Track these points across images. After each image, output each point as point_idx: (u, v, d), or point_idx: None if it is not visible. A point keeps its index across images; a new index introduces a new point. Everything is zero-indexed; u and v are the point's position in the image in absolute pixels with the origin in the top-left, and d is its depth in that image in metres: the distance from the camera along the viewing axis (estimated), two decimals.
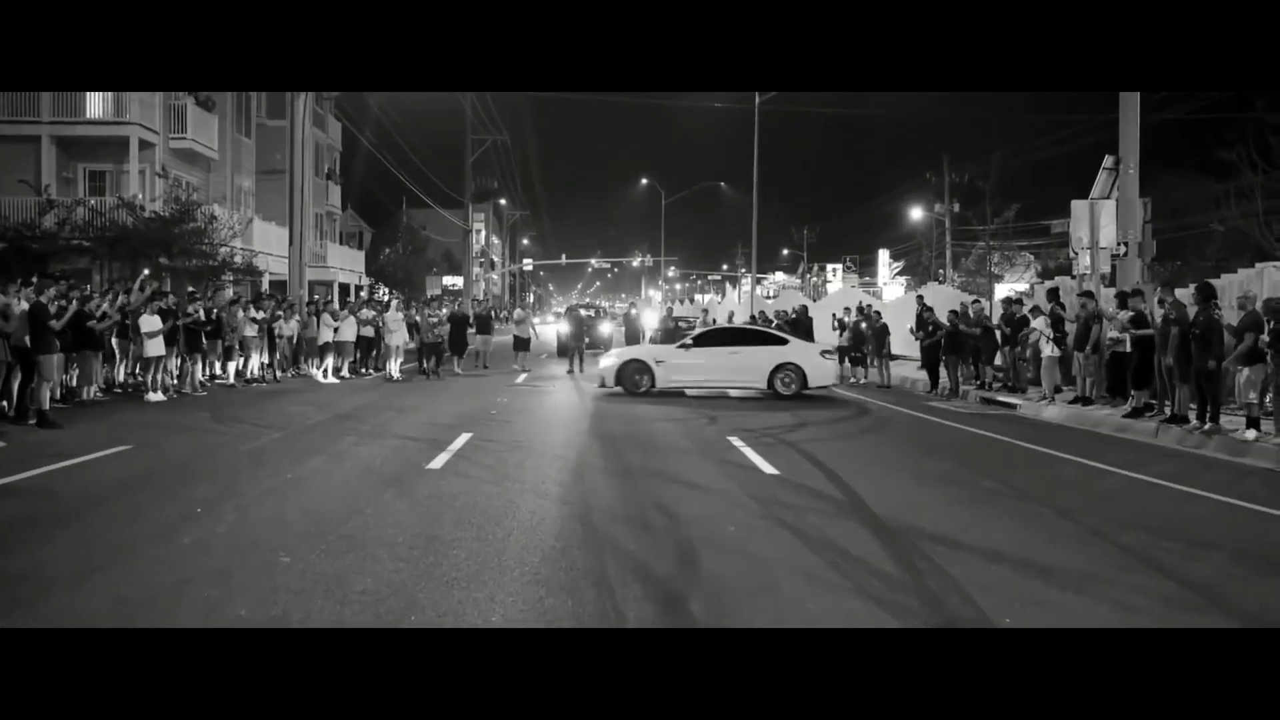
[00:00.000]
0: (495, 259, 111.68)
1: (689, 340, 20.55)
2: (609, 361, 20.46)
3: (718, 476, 10.60)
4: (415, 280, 64.55)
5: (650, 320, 40.03)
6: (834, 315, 26.42)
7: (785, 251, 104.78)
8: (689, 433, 14.39)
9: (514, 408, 17.59)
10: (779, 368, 19.55)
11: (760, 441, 13.27)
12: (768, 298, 58.19)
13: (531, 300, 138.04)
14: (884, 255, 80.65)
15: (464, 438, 13.21)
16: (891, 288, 69.27)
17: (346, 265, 49.67)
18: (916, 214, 65.82)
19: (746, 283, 77.93)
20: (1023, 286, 37.33)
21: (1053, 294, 18.84)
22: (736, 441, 13.19)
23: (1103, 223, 17.64)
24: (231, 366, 21.03)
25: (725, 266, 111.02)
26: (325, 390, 20.67)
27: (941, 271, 59.37)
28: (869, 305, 26.47)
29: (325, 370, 23.18)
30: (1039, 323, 17.74)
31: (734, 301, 57.36)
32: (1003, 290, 40.19)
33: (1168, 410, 14.56)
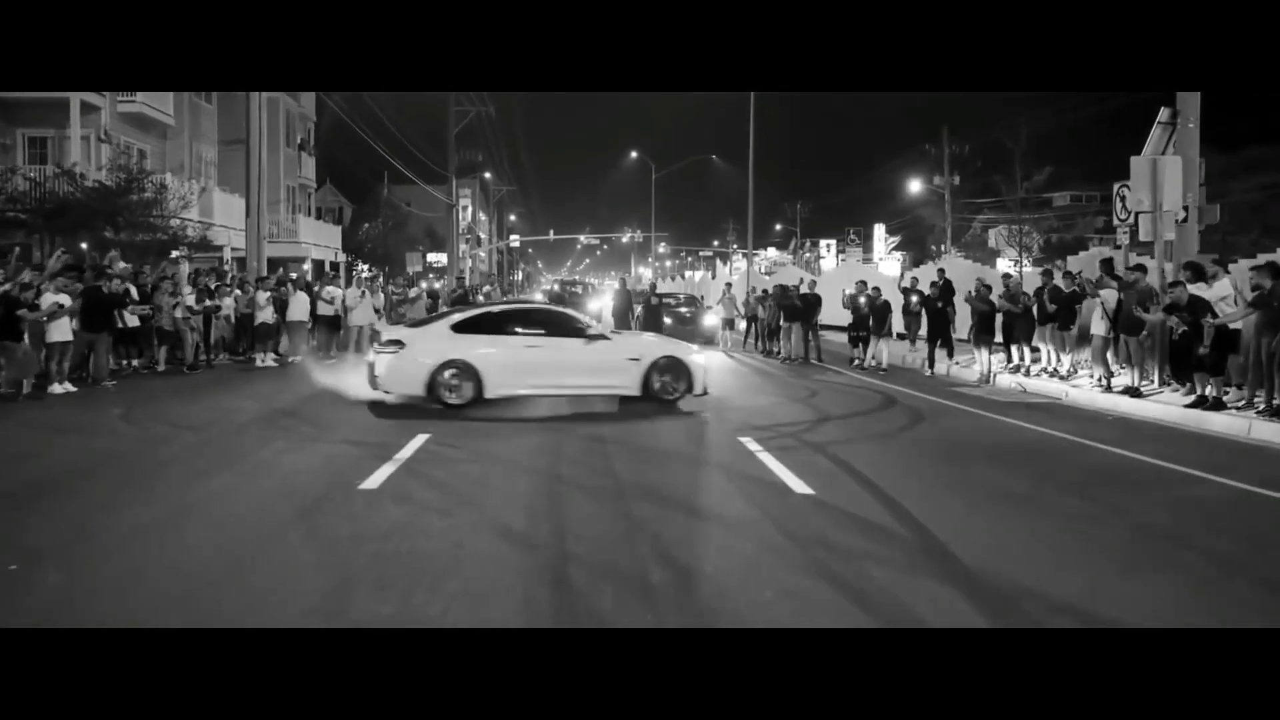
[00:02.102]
0: (482, 235, 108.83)
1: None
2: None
3: (736, 499, 8.24)
4: (395, 257, 61.89)
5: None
6: (844, 291, 24.02)
7: (778, 227, 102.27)
8: (691, 432, 12.01)
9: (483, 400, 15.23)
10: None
11: (779, 444, 10.91)
12: (765, 274, 55.78)
13: (520, 278, 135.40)
14: (879, 230, 78.32)
15: (419, 440, 10.84)
16: (888, 263, 66.95)
17: (321, 241, 46.98)
18: (915, 187, 63.37)
19: (738, 259, 75.75)
20: (1012, 265, 35.14)
21: (1106, 264, 16.45)
22: (751, 445, 10.82)
23: (1166, 182, 15.23)
24: (163, 352, 18.56)
25: (716, 243, 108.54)
26: (270, 378, 18.21)
27: (936, 247, 57.06)
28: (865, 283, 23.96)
29: (265, 356, 20.76)
30: (1106, 295, 15.32)
31: (727, 277, 54.95)
32: (1004, 267, 37.97)
33: (1259, 403, 12.26)
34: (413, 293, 24.40)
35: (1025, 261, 35.55)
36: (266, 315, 21.02)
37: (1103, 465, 10.22)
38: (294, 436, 11.30)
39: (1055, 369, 17.47)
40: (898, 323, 23.35)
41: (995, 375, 18.03)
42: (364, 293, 22.53)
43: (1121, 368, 15.56)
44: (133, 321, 18.16)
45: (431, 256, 76.27)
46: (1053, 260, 24.21)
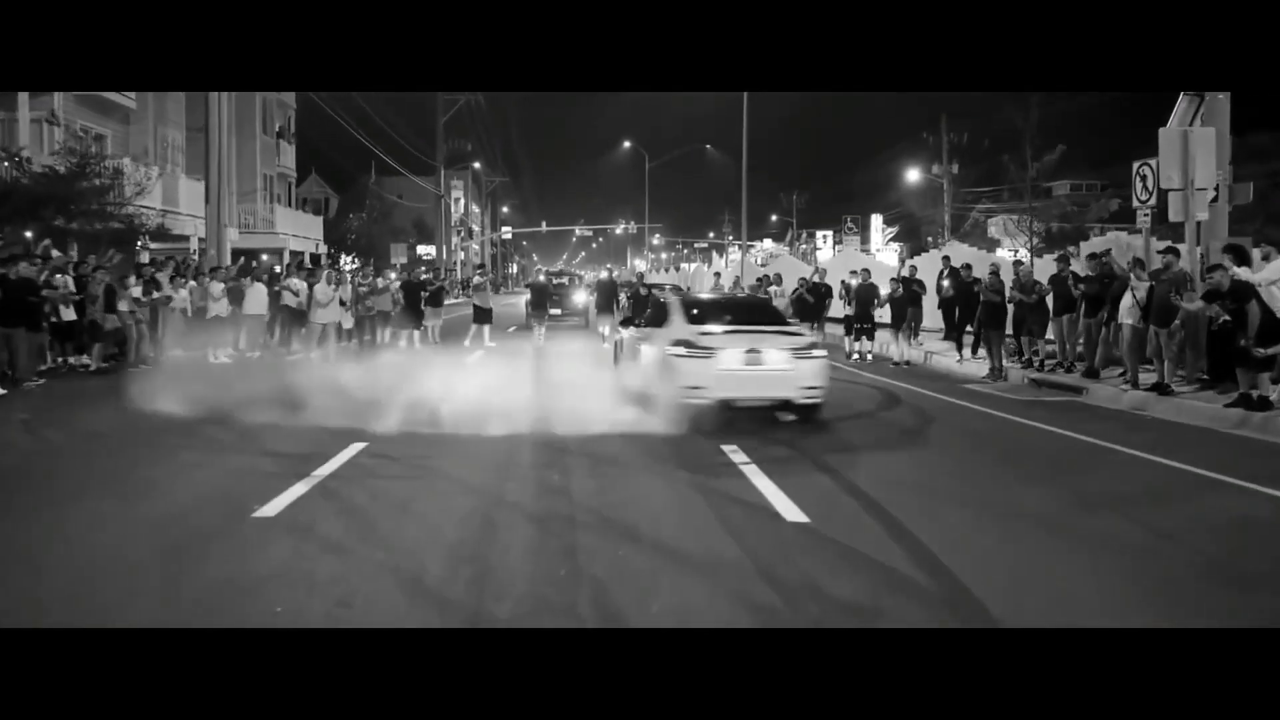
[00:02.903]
0: (475, 227, 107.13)
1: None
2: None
3: (713, 529, 6.70)
4: (380, 249, 60.26)
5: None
6: (842, 282, 22.49)
7: (774, 218, 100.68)
8: (667, 440, 10.48)
9: (439, 400, 13.68)
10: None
11: (768, 454, 9.41)
12: (761, 265, 54.26)
13: (515, 270, 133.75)
14: (876, 220, 76.78)
15: (350, 451, 9.34)
16: (885, 254, 65.39)
17: (300, 232, 45.36)
18: (914, 176, 61.78)
19: (733, 251, 74.24)
20: (1023, 252, 33.62)
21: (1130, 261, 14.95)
22: (735, 455, 9.30)
23: (1199, 156, 13.72)
24: (97, 349, 17.02)
25: (712, 234, 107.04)
26: (217, 377, 16.67)
27: (932, 238, 55.60)
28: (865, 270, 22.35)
29: (219, 353, 19.23)
30: (1139, 287, 13.80)
31: (717, 267, 53.30)
32: (1003, 255, 36.28)
33: None
34: (380, 283, 22.77)
35: (1024, 250, 34.07)
36: (220, 309, 19.49)
37: (1140, 476, 8.74)
38: (209, 447, 9.79)
39: (1070, 363, 15.99)
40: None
41: (1006, 370, 16.52)
42: (335, 287, 20.91)
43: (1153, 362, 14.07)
44: (69, 315, 16.67)
45: (421, 249, 74.62)
46: (1054, 250, 22.69)
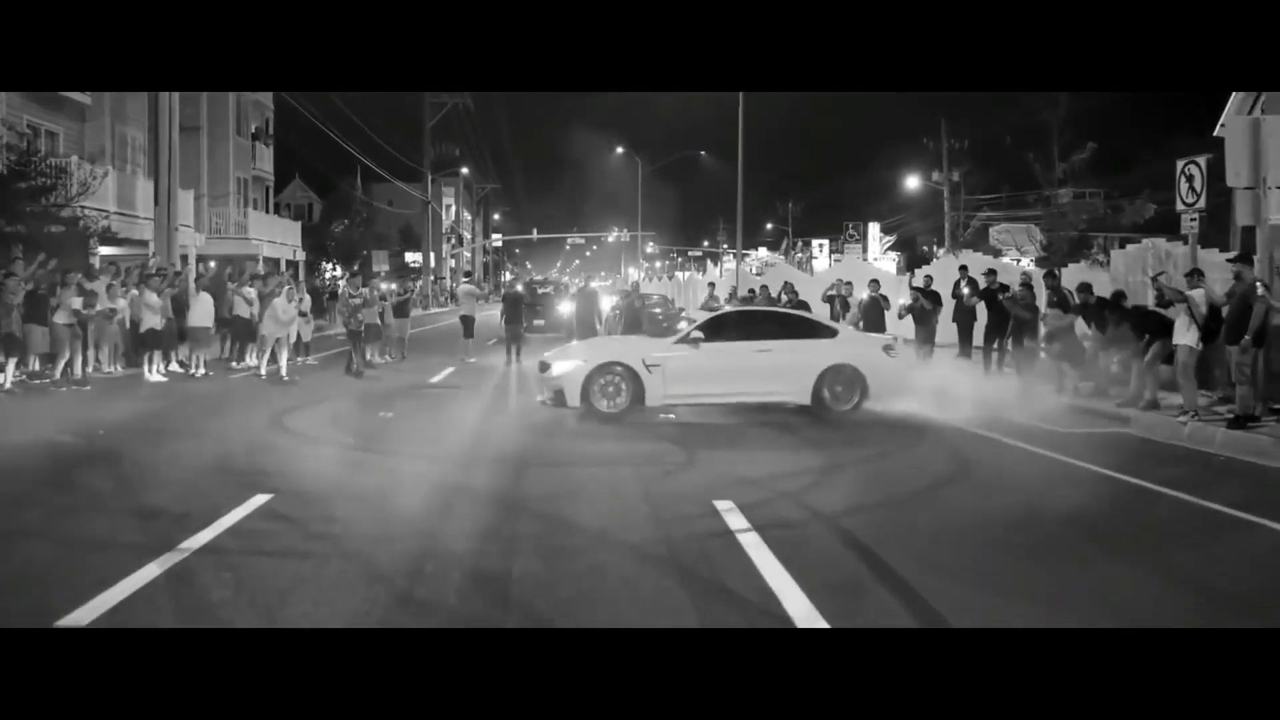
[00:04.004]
0: (466, 234, 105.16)
1: (698, 332, 13.30)
2: (568, 365, 12.97)
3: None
4: (359, 255, 58.34)
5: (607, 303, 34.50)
6: (824, 291, 20.61)
7: (769, 226, 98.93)
8: (648, 490, 8.52)
9: (388, 432, 11.74)
10: (830, 371, 13.12)
11: (770, 515, 7.45)
12: (756, 274, 52.39)
13: (507, 278, 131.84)
14: (874, 229, 75.09)
15: (244, 510, 7.39)
16: (883, 263, 63.66)
17: (276, 237, 43.19)
18: (913, 183, 60.10)
19: (728, 260, 72.59)
20: (1026, 263, 31.70)
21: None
22: (731, 516, 7.33)
23: (1271, 149, 11.81)
24: (11, 365, 15.06)
25: (706, 243, 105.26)
26: (141, 398, 14.73)
27: (927, 248, 54.08)
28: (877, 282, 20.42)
29: (161, 368, 17.28)
30: (1198, 295, 11.90)
31: (712, 277, 51.40)
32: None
33: None
34: (367, 292, 20.86)
35: (1026, 261, 32.19)
36: (154, 320, 17.49)
37: (1254, 550, 6.81)
38: (68, 497, 7.85)
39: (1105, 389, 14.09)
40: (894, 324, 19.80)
41: (1040, 394, 14.58)
42: (299, 303, 18.85)
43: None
44: None
45: (410, 256, 72.68)
46: (1054, 263, 20.75)
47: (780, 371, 13.00)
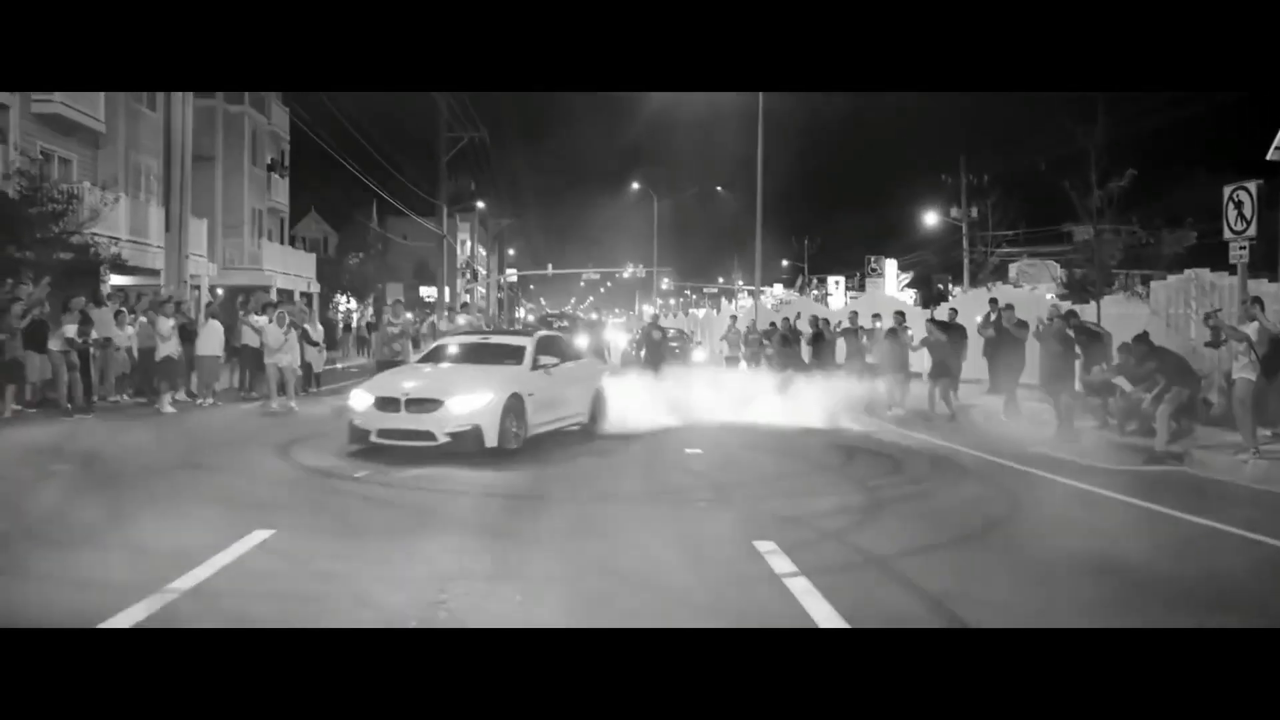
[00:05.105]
0: (481, 270, 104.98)
1: (549, 358, 13.18)
2: (478, 399, 11.39)
3: None
4: (373, 288, 57.99)
5: (618, 338, 34.31)
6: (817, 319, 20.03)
7: (785, 263, 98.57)
8: (679, 529, 7.90)
9: (367, 484, 10.94)
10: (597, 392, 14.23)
11: (817, 559, 6.76)
12: (774, 309, 51.91)
13: (522, 314, 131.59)
14: (891, 265, 74.71)
15: (242, 546, 6.79)
16: (901, 298, 63.19)
17: (290, 269, 42.89)
18: (931, 219, 59.77)
19: (743, 297, 72.10)
20: (1051, 298, 31.10)
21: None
22: (775, 560, 6.64)
23: None
24: (10, 392, 14.55)
25: (721, 280, 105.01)
26: (148, 428, 14.16)
27: (941, 285, 53.50)
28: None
29: (174, 398, 16.70)
30: (1251, 329, 11.28)
31: (732, 311, 50.96)
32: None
33: None
34: (407, 317, 20.26)
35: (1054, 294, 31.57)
36: (170, 348, 16.94)
37: None
38: (61, 533, 7.27)
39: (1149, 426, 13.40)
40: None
41: (1079, 431, 13.90)
42: (289, 329, 18.24)
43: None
44: None
45: (424, 290, 72.30)
46: (1075, 299, 20.07)
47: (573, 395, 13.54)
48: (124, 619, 5.08)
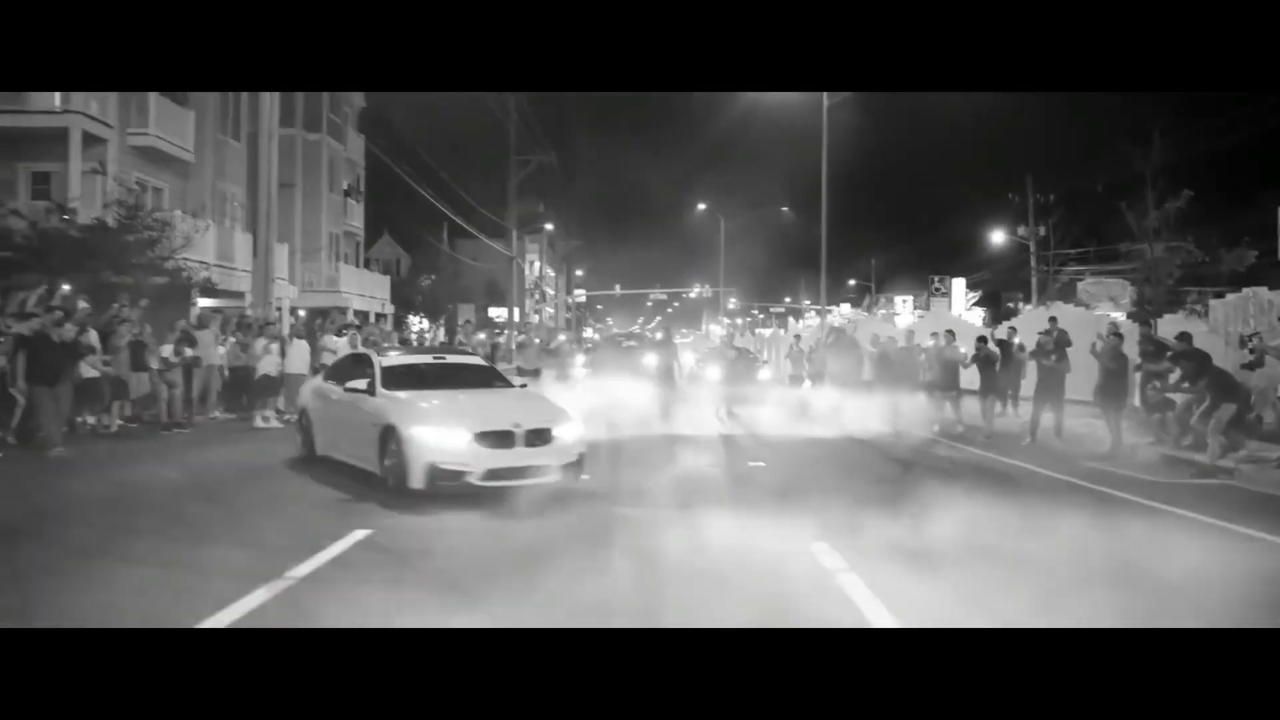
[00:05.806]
0: (549, 291, 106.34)
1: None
2: (457, 437, 9.62)
3: None
4: (445, 309, 59.34)
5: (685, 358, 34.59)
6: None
7: (852, 282, 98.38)
8: (740, 532, 8.48)
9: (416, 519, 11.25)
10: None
11: (873, 563, 7.35)
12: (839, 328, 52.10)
13: (590, 333, 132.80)
14: (959, 284, 74.23)
15: (345, 543, 7.57)
16: (970, 317, 62.83)
17: (366, 291, 44.34)
18: (998, 237, 59.55)
19: (810, 315, 72.19)
20: (1119, 315, 30.92)
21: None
22: (842, 575, 7.23)
23: None
24: (116, 408, 15.62)
25: (788, 299, 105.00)
26: (249, 442, 15.11)
27: (1011, 304, 53.32)
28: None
29: (267, 414, 17.66)
30: None
31: (796, 330, 51.27)
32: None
33: None
34: (482, 336, 21.08)
35: (1118, 314, 31.46)
36: (269, 366, 17.93)
37: None
38: (181, 530, 8.10)
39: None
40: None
41: (1133, 447, 14.24)
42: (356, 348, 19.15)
43: None
44: (90, 372, 15.25)
45: (493, 311, 73.63)
46: (1144, 317, 20.10)
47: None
48: (250, 602, 5.84)
